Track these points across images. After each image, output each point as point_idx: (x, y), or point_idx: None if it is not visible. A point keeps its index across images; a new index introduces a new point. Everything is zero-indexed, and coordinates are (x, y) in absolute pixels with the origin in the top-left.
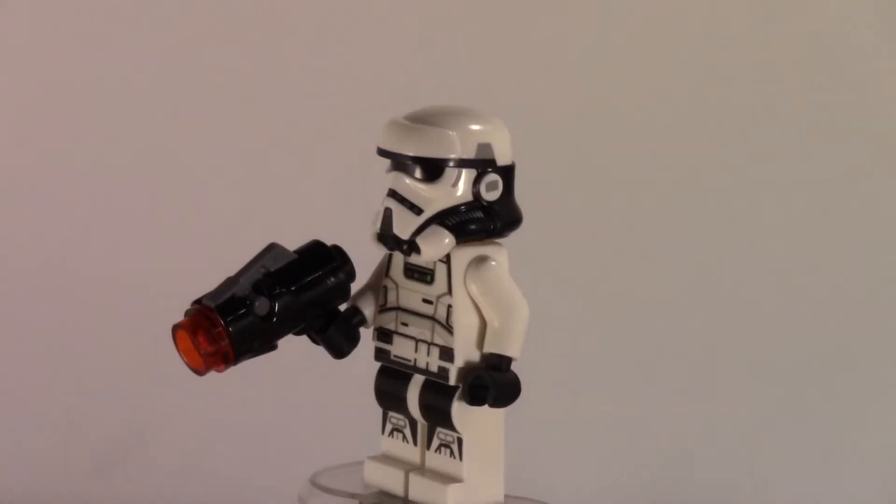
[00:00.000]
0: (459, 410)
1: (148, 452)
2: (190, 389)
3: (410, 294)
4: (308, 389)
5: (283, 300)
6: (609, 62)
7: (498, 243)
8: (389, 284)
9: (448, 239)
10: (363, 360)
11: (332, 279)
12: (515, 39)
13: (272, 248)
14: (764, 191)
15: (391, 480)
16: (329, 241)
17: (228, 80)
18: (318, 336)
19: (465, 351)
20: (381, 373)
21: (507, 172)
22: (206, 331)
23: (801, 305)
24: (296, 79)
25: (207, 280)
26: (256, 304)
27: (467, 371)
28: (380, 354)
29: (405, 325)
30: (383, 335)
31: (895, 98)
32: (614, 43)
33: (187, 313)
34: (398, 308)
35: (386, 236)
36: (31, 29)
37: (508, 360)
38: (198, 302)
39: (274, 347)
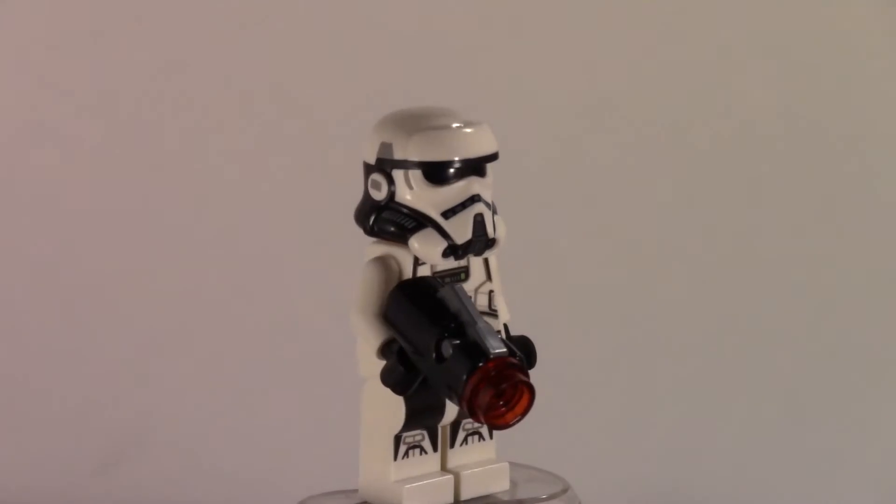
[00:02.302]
0: None
1: (148, 452)
2: (190, 390)
3: None
4: (311, 388)
5: None
6: (608, 61)
7: None
8: None
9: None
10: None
11: None
12: (508, 40)
13: (447, 292)
14: (764, 192)
15: (436, 494)
16: (318, 249)
17: (228, 81)
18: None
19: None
20: (412, 397)
21: None
22: (521, 374)
23: (800, 306)
24: (292, 82)
25: (207, 280)
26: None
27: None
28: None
29: None
30: None
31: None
32: (612, 42)
33: (480, 375)
34: None
35: (476, 242)
36: (31, 29)
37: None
38: (488, 359)
39: None
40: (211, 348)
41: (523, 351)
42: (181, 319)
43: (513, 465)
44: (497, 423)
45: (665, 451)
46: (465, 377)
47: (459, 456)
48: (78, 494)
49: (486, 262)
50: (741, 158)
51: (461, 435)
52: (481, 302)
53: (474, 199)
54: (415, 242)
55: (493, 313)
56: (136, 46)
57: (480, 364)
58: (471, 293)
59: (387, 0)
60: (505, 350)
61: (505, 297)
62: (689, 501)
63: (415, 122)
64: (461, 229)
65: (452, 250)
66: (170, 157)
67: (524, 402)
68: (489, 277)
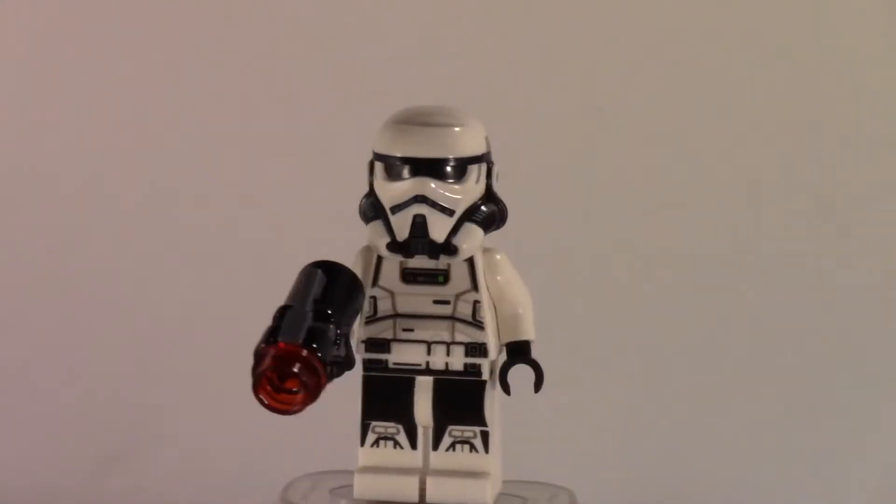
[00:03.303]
0: (489, 403)
1: (148, 451)
2: (191, 387)
3: (415, 298)
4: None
5: (343, 326)
6: (608, 61)
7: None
8: (380, 294)
9: (481, 235)
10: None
11: (361, 298)
12: (509, 40)
13: (313, 274)
14: (764, 192)
15: (396, 489)
16: (319, 246)
17: (227, 81)
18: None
19: (494, 343)
20: (372, 385)
21: None
22: (304, 369)
23: (801, 306)
24: (288, 81)
25: (207, 280)
26: (329, 333)
27: (500, 363)
28: (372, 365)
29: (409, 330)
30: (375, 345)
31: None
32: (612, 42)
33: (264, 357)
34: (396, 315)
35: (416, 242)
36: (31, 29)
37: (530, 343)
38: (270, 342)
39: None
40: (211, 347)
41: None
42: (181, 319)
43: (527, 483)
44: (263, 404)
45: (665, 451)
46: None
47: (443, 460)
48: (78, 494)
49: (471, 271)
50: (741, 159)
51: (447, 440)
52: (464, 311)
53: (417, 198)
54: (368, 231)
55: (477, 324)
56: (135, 46)
57: (265, 344)
58: (450, 298)
59: (389, 1)
60: (297, 339)
61: (532, 317)
62: (688, 502)
63: (399, 116)
64: (400, 227)
65: (399, 247)
66: (170, 157)
67: (296, 394)
68: (475, 287)
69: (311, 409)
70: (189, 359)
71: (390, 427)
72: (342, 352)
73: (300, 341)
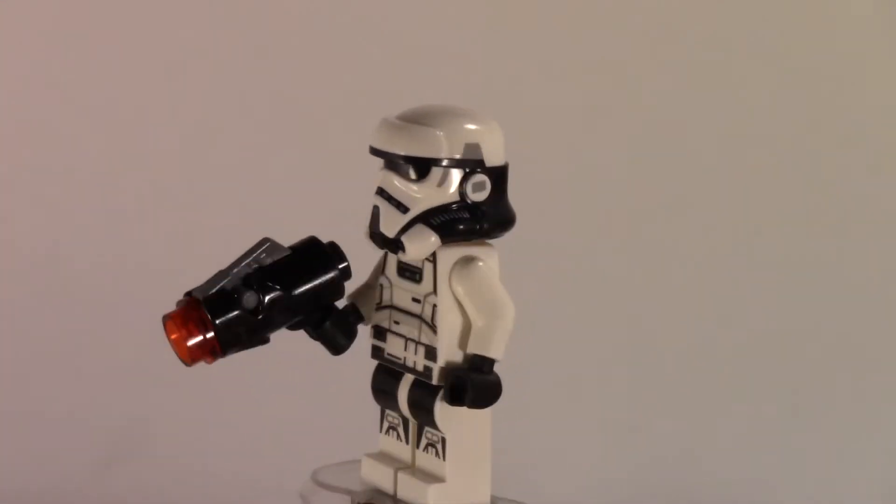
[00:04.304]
0: (442, 410)
1: (148, 451)
2: (191, 387)
3: (402, 293)
4: (310, 385)
5: (272, 295)
6: (609, 62)
7: (488, 244)
8: (385, 283)
9: (433, 238)
10: (364, 357)
11: (325, 276)
12: (515, 39)
13: (265, 243)
14: (763, 192)
15: (383, 478)
16: (328, 238)
17: (226, 79)
18: (314, 332)
19: (449, 351)
20: (378, 370)
21: (498, 173)
22: (195, 322)
23: (801, 305)
24: (295, 75)
25: (206, 278)
26: (244, 297)
27: (448, 371)
28: (375, 352)
29: (397, 323)
30: (379, 333)
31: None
32: (614, 43)
33: (178, 304)
34: (392, 306)
35: (375, 234)
36: (31, 28)
37: (491, 361)
38: (189, 294)
39: (265, 341)
40: None
41: (486, 386)
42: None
43: (509, 501)
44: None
45: (664, 452)
46: None
47: (421, 458)
48: (78, 494)
49: (434, 273)
50: (740, 160)
51: (423, 440)
52: (427, 312)
53: (377, 190)
54: None
55: (433, 328)
56: (136, 46)
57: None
58: (421, 297)
59: (390, 1)
60: (201, 293)
61: (500, 334)
62: (688, 502)
63: (397, 112)
64: (369, 217)
65: (370, 236)
66: (169, 157)
67: (189, 342)
68: (435, 290)
69: (318, 405)
70: None
71: (395, 418)
72: (275, 319)
73: (202, 297)
